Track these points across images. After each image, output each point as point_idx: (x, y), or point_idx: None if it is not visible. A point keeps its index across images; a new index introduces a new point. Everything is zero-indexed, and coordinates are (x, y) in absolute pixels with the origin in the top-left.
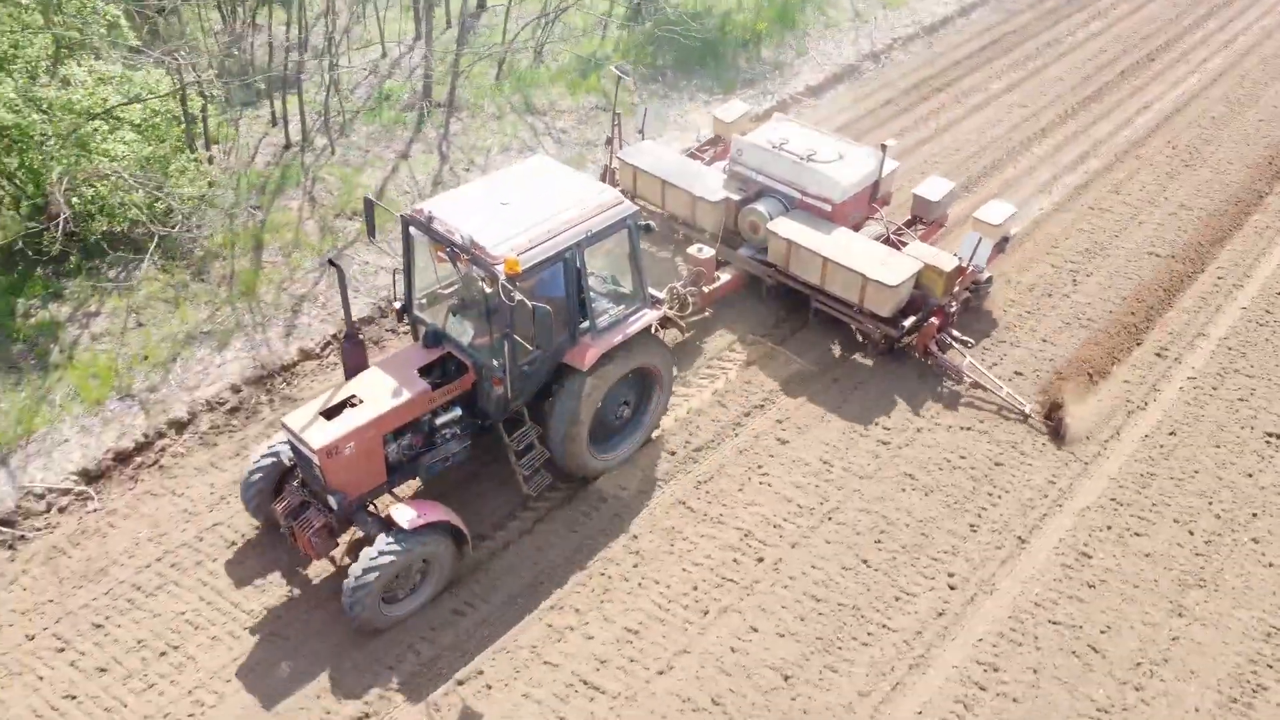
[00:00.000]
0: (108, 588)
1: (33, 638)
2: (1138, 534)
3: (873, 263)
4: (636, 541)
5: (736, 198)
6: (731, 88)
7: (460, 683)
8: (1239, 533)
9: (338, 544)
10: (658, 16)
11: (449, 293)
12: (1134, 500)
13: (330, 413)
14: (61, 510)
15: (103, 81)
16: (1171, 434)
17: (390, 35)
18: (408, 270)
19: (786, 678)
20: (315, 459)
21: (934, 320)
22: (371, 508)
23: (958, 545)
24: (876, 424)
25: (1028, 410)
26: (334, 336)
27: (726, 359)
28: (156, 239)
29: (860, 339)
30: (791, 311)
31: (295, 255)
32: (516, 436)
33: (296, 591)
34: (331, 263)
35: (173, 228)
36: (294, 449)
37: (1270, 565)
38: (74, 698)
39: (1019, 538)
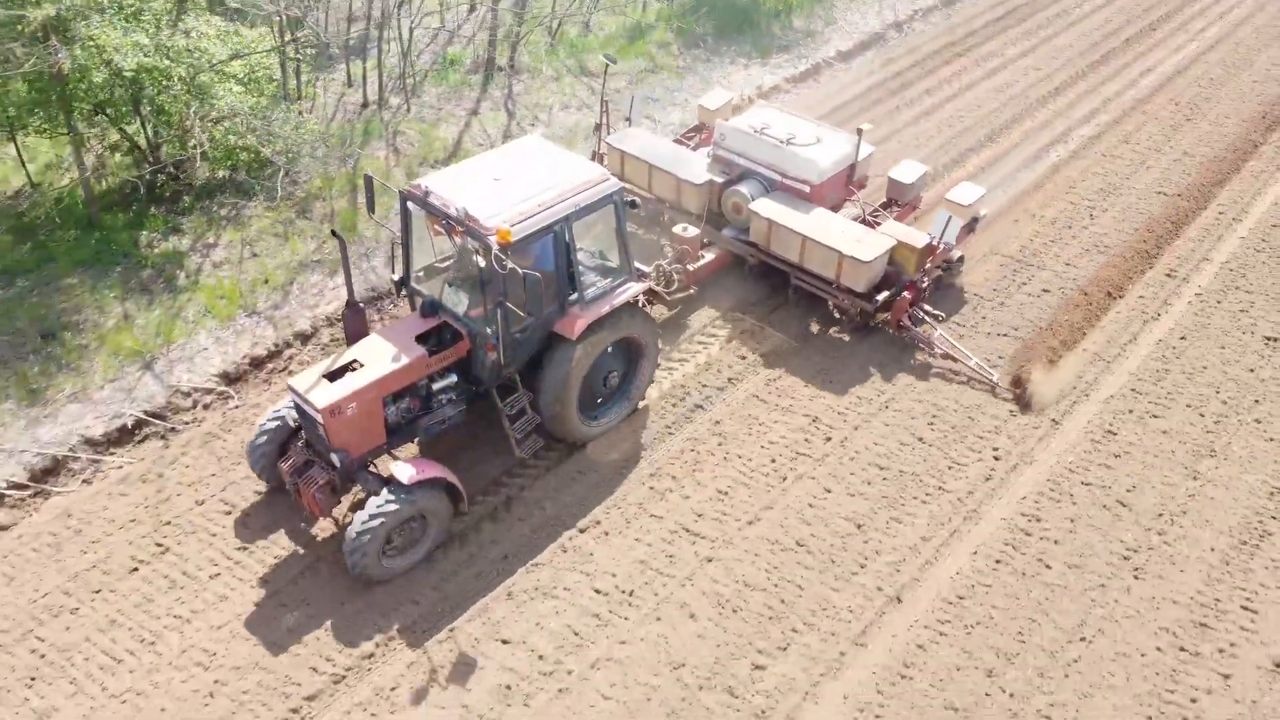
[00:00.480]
0: None
1: (202, 503)
2: (1155, 416)
3: (848, 240)
4: (719, 426)
5: (720, 180)
6: (768, 53)
7: (581, 530)
8: (1243, 415)
9: (340, 502)
10: None
11: (445, 266)
12: (1151, 390)
13: (333, 376)
14: (206, 407)
15: (218, 36)
16: (1182, 338)
17: (449, 3)
18: (406, 243)
19: (859, 526)
20: (319, 418)
21: (906, 295)
22: (372, 468)
23: (1000, 426)
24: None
25: (995, 379)
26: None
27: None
28: (273, 174)
29: (837, 315)
30: (773, 290)
31: (385, 198)
32: (509, 402)
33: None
34: (334, 234)
35: (278, 171)
36: (299, 410)
37: (1271, 440)
38: (245, 549)
39: (1053, 420)
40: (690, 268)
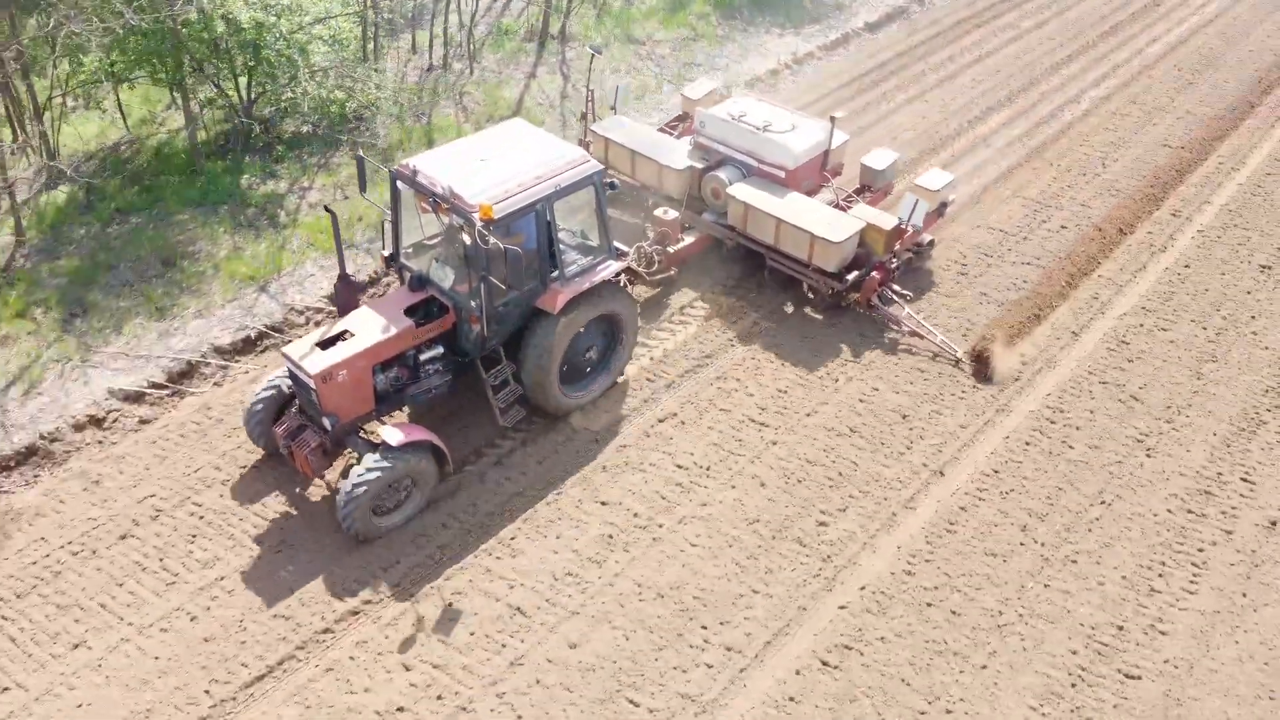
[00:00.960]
0: None
1: None
2: (1163, 329)
3: (820, 222)
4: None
5: (700, 166)
6: (800, 24)
7: (661, 420)
8: (1241, 328)
9: (331, 465)
10: None
11: (434, 243)
12: (1159, 308)
13: (325, 344)
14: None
15: None
16: (1186, 266)
17: None
18: (395, 221)
19: (904, 416)
20: (312, 384)
21: (875, 275)
22: (363, 434)
23: (1031, 334)
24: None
25: (959, 355)
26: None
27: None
28: (356, 127)
29: (810, 295)
30: (750, 272)
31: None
32: (493, 373)
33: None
34: (326, 209)
35: (362, 122)
36: (293, 376)
37: (1267, 348)
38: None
39: (1072, 332)
40: (671, 250)
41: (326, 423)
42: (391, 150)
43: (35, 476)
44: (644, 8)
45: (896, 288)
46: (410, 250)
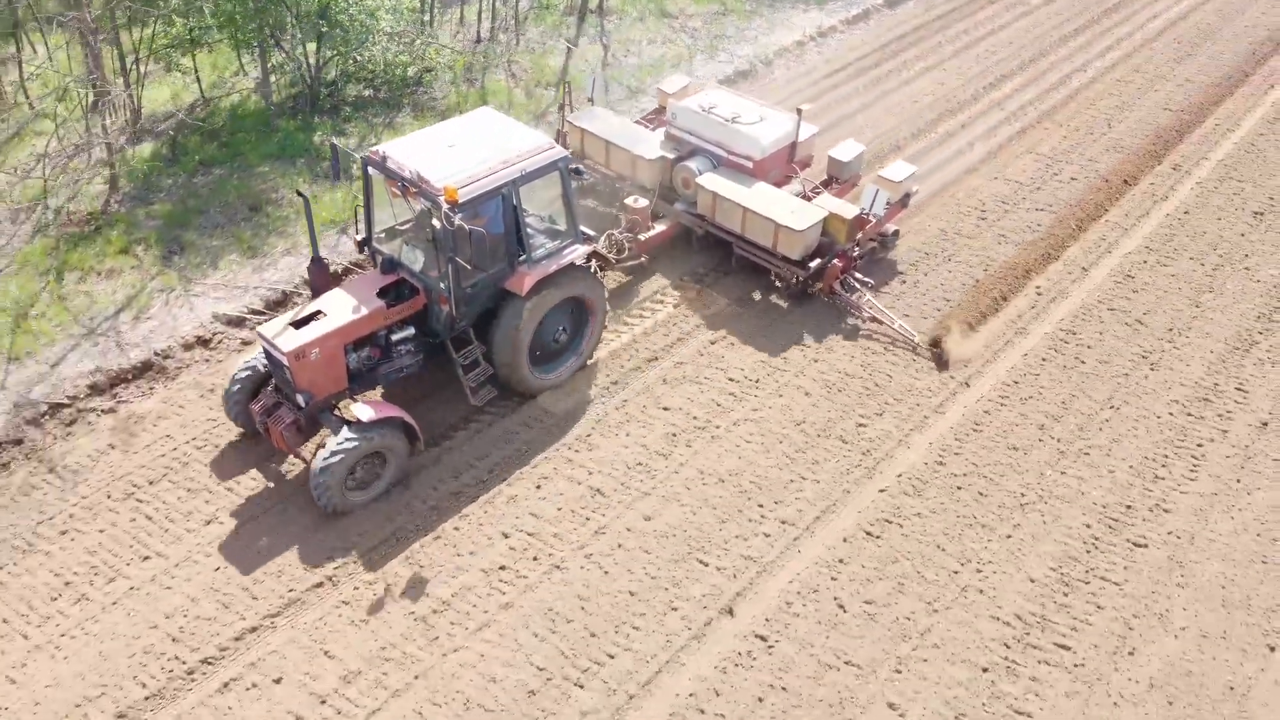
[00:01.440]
0: None
1: None
2: (1164, 264)
3: (784, 211)
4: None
5: (672, 156)
6: (823, 1)
7: (712, 342)
8: (1236, 264)
9: (306, 443)
10: None
11: (406, 229)
12: (1161, 248)
13: (299, 324)
14: None
15: None
16: (1185, 212)
17: None
18: (367, 206)
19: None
20: (285, 361)
21: (837, 263)
22: (337, 412)
23: (1045, 270)
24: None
25: (916, 340)
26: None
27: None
28: (414, 90)
29: (777, 284)
30: (720, 260)
31: (512, 111)
32: (464, 353)
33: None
34: (299, 193)
35: (421, 86)
36: (268, 355)
37: (1259, 282)
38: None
39: (1083, 268)
40: (641, 237)
41: (300, 399)
42: (450, 110)
43: (151, 388)
44: None
45: (859, 275)
46: (383, 235)
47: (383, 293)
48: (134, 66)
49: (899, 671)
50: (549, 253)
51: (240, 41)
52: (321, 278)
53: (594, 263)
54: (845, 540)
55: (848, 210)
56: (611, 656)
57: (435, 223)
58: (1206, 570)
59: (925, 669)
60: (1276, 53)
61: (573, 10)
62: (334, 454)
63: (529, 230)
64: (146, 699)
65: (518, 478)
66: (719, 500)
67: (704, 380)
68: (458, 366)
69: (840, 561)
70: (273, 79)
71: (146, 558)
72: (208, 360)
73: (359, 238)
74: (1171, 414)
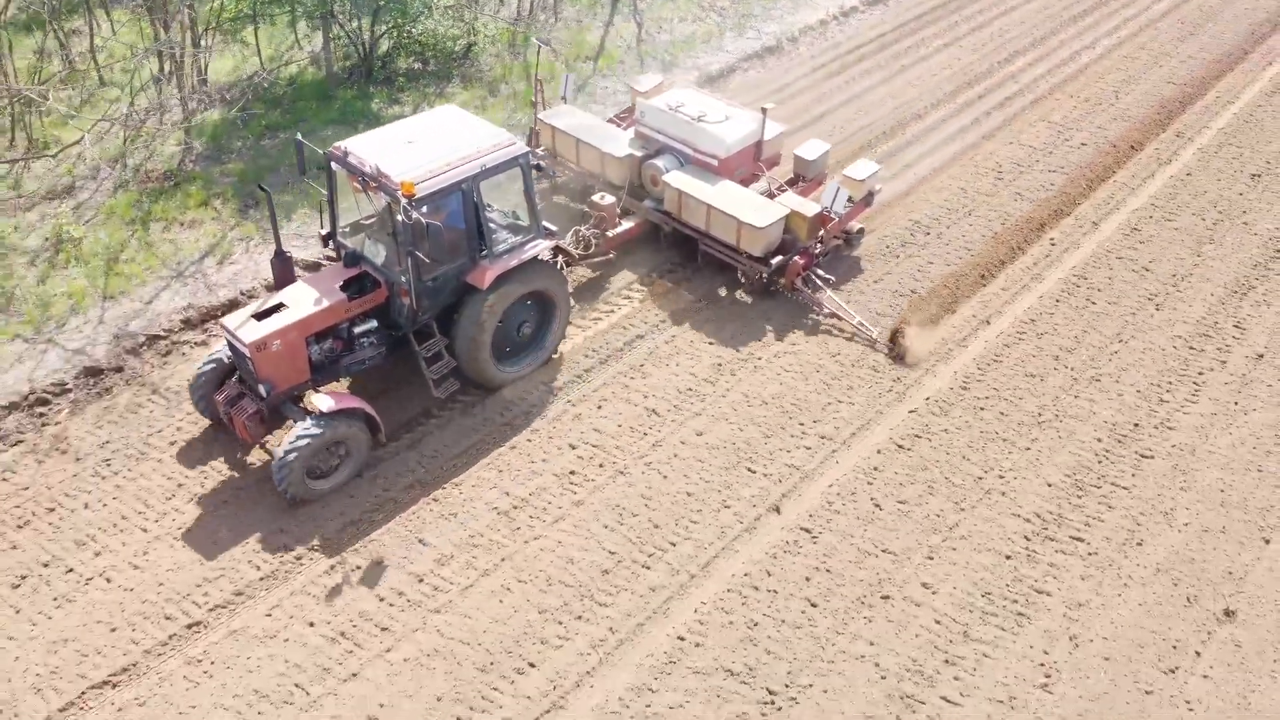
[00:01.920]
0: None
1: None
2: (1168, 219)
3: (747, 208)
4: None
5: (640, 154)
6: None
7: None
8: (1234, 220)
9: (270, 432)
10: None
11: (368, 222)
12: (1165, 205)
13: (261, 315)
14: None
15: None
16: (1188, 174)
17: None
18: (332, 201)
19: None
20: (247, 353)
21: (799, 260)
22: (301, 404)
23: (1058, 224)
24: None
25: (875, 336)
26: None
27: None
28: (461, 63)
29: (742, 280)
30: (687, 257)
31: (553, 83)
32: (426, 345)
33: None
34: (261, 187)
35: (469, 59)
36: (231, 346)
37: (1256, 234)
38: None
39: (1093, 222)
40: (609, 234)
41: (262, 390)
42: (495, 82)
43: None
44: None
45: (820, 272)
46: (347, 229)
47: (345, 285)
48: (204, 36)
49: (930, 558)
50: (510, 247)
51: (307, 12)
52: (285, 272)
53: (559, 258)
54: (879, 452)
55: (809, 208)
56: (673, 544)
57: (398, 217)
58: (1207, 476)
59: (954, 555)
60: (1275, 32)
61: None
62: (295, 442)
63: (491, 225)
64: (261, 579)
65: (582, 398)
66: (763, 419)
67: (682, 361)
68: (420, 359)
69: (875, 469)
70: (331, 49)
71: (253, 464)
72: None
73: (324, 232)
74: (1175, 347)
